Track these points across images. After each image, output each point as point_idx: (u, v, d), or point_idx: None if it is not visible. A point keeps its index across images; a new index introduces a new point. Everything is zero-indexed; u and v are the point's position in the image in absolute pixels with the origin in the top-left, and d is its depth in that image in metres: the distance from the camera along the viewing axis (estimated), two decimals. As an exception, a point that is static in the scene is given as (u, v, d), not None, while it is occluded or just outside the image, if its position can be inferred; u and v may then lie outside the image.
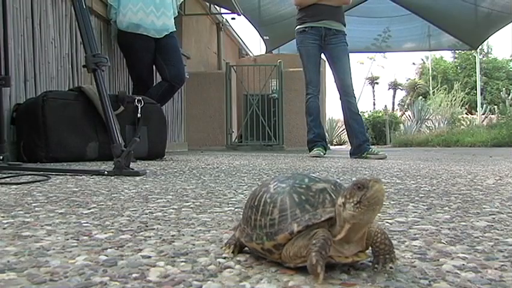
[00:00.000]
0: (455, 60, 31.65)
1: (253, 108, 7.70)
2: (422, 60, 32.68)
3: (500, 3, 10.34)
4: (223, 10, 9.54)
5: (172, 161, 3.23)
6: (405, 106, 23.84)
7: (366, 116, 19.62)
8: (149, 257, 0.63)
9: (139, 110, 3.37)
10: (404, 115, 20.04)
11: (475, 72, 17.71)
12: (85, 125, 3.04)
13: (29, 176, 1.81)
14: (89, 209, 1.05)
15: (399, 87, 33.30)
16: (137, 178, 1.85)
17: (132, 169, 1.98)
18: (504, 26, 11.52)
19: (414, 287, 0.52)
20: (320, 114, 4.39)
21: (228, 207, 1.11)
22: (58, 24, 3.40)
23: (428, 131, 14.47)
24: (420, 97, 22.63)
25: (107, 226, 0.85)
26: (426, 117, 16.15)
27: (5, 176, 1.80)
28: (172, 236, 0.77)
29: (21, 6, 2.98)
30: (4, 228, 0.82)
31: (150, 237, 0.76)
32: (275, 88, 7.71)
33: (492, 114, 15.40)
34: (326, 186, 0.59)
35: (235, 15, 9.12)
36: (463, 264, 0.61)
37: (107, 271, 0.56)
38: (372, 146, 4.39)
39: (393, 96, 33.18)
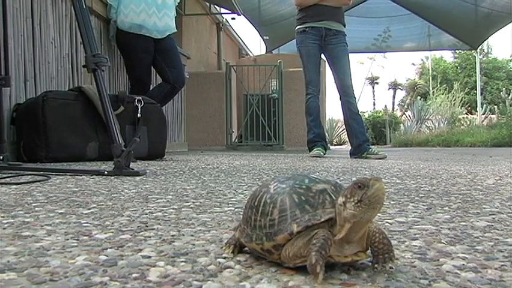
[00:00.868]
0: (455, 60, 31.65)
1: (253, 108, 7.70)
2: (422, 60, 32.69)
3: (500, 3, 10.35)
4: (223, 10, 9.54)
5: (172, 161, 3.23)
6: (405, 106, 23.84)
7: (366, 116, 19.63)
8: (149, 257, 0.63)
9: (139, 110, 3.37)
10: (404, 115, 20.05)
11: (475, 72, 17.71)
12: (85, 125, 3.04)
13: (29, 176, 1.81)
14: (89, 209, 1.05)
15: (399, 87, 33.30)
16: (137, 178, 1.85)
17: (132, 169, 1.98)
18: (504, 26, 11.52)
19: (414, 287, 0.52)
20: (320, 114, 4.39)
21: (228, 207, 1.11)
22: (58, 24, 3.40)
23: (428, 131, 14.47)
24: (420, 97, 22.64)
25: (107, 226, 0.85)
26: (426, 117, 16.15)
27: (5, 176, 1.80)
28: (172, 236, 0.77)
29: (21, 6, 2.98)
30: (4, 228, 0.82)
31: (150, 237, 0.76)
32: (275, 88, 7.71)
33: (492, 114, 15.40)
34: (326, 187, 0.59)
35: (235, 15, 9.12)
36: (463, 264, 0.61)
37: (107, 271, 0.56)
38: (372, 146, 4.39)
39: (393, 96, 33.18)
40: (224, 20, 10.77)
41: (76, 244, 0.71)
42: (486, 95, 25.17)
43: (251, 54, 13.90)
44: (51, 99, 2.87)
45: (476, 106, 14.93)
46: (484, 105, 16.67)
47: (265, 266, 0.59)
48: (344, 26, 4.28)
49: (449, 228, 0.85)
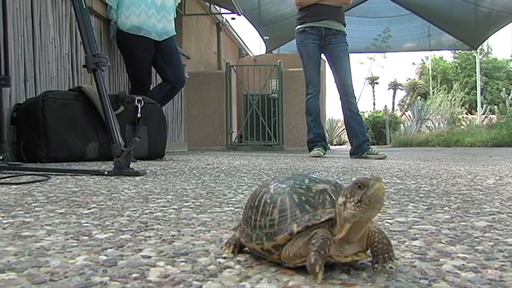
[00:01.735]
0: (455, 60, 31.64)
1: (253, 108, 7.70)
2: (422, 60, 32.69)
3: (500, 3, 10.35)
4: (223, 10, 9.55)
5: (172, 161, 3.23)
6: (405, 106, 23.83)
7: (366, 116, 19.63)
8: (149, 257, 0.63)
9: (139, 110, 3.37)
10: (404, 115, 20.05)
11: (475, 72, 17.71)
12: (85, 125, 3.04)
13: (29, 176, 1.81)
14: (89, 209, 1.05)
15: (399, 87, 33.29)
16: (137, 178, 1.85)
17: (132, 169, 1.98)
18: (504, 26, 11.52)
19: (414, 287, 0.52)
20: (320, 114, 4.39)
21: (228, 207, 1.11)
22: (58, 24, 3.40)
23: (428, 131, 14.47)
24: (420, 97, 22.63)
25: (107, 226, 0.85)
26: (426, 117, 16.15)
27: (5, 176, 1.80)
28: (172, 236, 0.77)
29: (21, 6, 2.97)
30: (4, 228, 0.82)
31: (150, 237, 0.76)
32: (275, 88, 7.71)
33: (492, 114, 15.40)
34: (326, 187, 0.59)
35: (235, 15, 9.12)
36: (463, 264, 0.61)
37: (107, 271, 0.56)
38: (372, 146, 4.39)
39: (393, 96, 33.17)
40: (224, 20, 10.77)
41: (76, 244, 0.71)
42: (486, 95, 25.16)
43: (251, 54, 13.90)
44: (51, 99, 2.87)
45: (476, 106, 14.93)
46: (484, 105, 16.67)
47: (265, 266, 0.59)
48: (344, 26, 4.28)
49: (449, 228, 0.85)
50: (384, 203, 0.86)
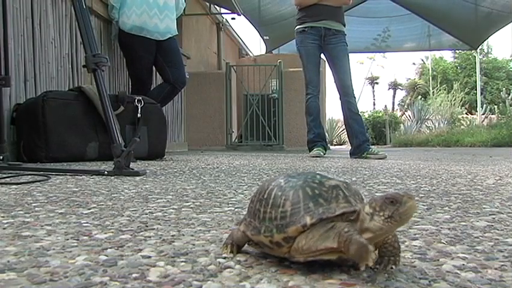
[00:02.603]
0: (455, 60, 31.64)
1: (253, 108, 7.70)
2: (422, 60, 32.68)
3: (500, 3, 10.35)
4: (223, 10, 9.55)
5: (172, 161, 3.23)
6: (405, 106, 23.83)
7: (366, 116, 19.62)
8: (149, 257, 0.63)
9: (139, 110, 3.37)
10: (404, 115, 20.04)
11: (475, 72, 17.71)
12: (85, 125, 3.04)
13: (29, 176, 1.81)
14: (89, 209, 1.05)
15: (399, 87, 33.28)
16: (137, 178, 1.85)
17: (132, 169, 1.98)
18: (504, 26, 11.52)
19: (414, 287, 0.52)
20: (320, 114, 4.39)
21: (228, 207, 1.11)
22: (58, 24, 3.40)
23: (428, 131, 14.47)
24: (420, 97, 22.62)
25: (107, 226, 0.85)
26: (426, 117, 16.15)
27: (5, 176, 1.80)
28: (172, 236, 0.77)
29: (21, 6, 2.97)
30: (4, 228, 0.82)
31: (150, 237, 0.76)
32: (275, 88, 7.71)
33: (492, 114, 15.40)
34: (338, 183, 0.59)
35: (235, 15, 9.12)
36: (463, 264, 0.61)
37: (107, 271, 0.56)
38: (372, 146, 4.39)
39: (393, 96, 33.16)
40: (224, 20, 10.77)
41: (76, 244, 0.71)
42: (486, 95, 25.15)
43: (251, 54, 13.90)
44: (51, 99, 2.87)
45: (476, 106, 14.93)
46: (484, 105, 16.66)
47: (265, 266, 0.59)
48: (344, 26, 4.28)
49: (449, 228, 0.85)
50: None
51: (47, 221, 0.90)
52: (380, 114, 19.79)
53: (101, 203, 1.15)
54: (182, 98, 5.92)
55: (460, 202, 1.20)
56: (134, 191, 1.42)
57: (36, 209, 1.05)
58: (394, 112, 23.65)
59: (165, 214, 0.99)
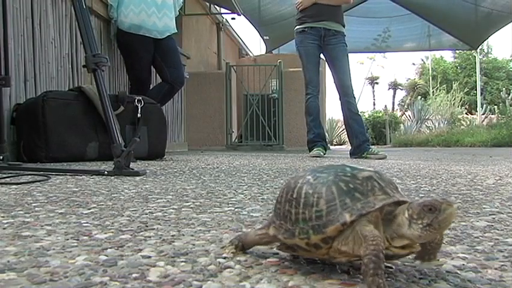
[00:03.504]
0: (455, 60, 31.63)
1: (253, 108, 7.70)
2: (422, 60, 32.68)
3: (500, 3, 10.35)
4: (223, 10, 9.55)
5: (172, 161, 3.23)
6: (405, 106, 23.82)
7: (366, 116, 19.61)
8: (149, 257, 0.63)
9: (139, 110, 3.37)
10: (404, 115, 20.03)
11: (475, 72, 17.71)
12: (85, 125, 3.04)
13: (29, 176, 1.81)
14: (89, 209, 1.05)
15: (399, 87, 33.27)
16: (137, 178, 1.85)
17: (132, 169, 1.98)
18: (504, 26, 11.53)
19: (414, 287, 0.52)
20: (320, 114, 4.39)
21: (228, 207, 1.11)
22: (58, 24, 3.40)
23: (428, 131, 14.47)
24: (420, 97, 22.62)
25: (107, 226, 0.85)
26: (426, 117, 16.15)
27: (5, 176, 1.80)
28: (172, 236, 0.77)
29: (21, 6, 2.97)
30: (4, 228, 0.82)
31: (150, 237, 0.76)
32: (275, 88, 7.71)
33: (492, 114, 15.40)
34: (371, 174, 0.55)
35: (235, 15, 9.12)
36: (463, 264, 0.61)
37: (107, 271, 0.56)
38: (372, 146, 4.39)
39: (393, 96, 33.14)
40: (224, 20, 10.77)
41: (76, 244, 0.71)
42: (486, 95, 25.15)
43: (251, 54, 13.90)
44: (51, 99, 2.87)
45: (476, 106, 14.93)
46: (484, 105, 16.66)
47: (265, 266, 0.59)
48: (343, 27, 4.28)
49: (449, 228, 0.85)
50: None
51: (47, 221, 0.90)
52: (380, 114, 19.78)
53: (101, 203, 1.15)
54: (182, 98, 5.92)
55: (460, 202, 1.20)
56: (134, 191, 1.42)
57: (36, 209, 1.05)
58: (394, 112, 23.64)
59: (165, 214, 0.99)
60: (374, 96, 34.35)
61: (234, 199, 1.25)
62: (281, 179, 1.88)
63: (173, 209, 1.07)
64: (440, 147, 10.40)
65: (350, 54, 4.36)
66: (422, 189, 1.51)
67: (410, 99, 26.41)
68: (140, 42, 3.95)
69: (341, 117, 4.59)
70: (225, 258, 0.63)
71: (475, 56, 19.40)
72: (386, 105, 25.24)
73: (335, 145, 16.87)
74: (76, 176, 1.89)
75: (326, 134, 7.10)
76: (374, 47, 13.72)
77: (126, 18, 3.91)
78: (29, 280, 0.53)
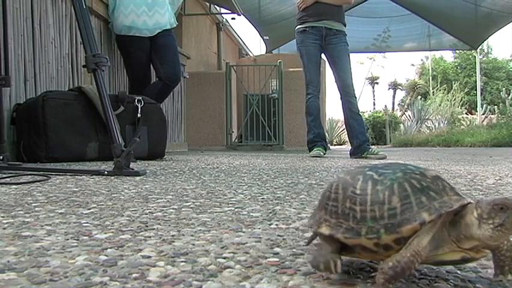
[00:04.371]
0: (455, 60, 31.64)
1: (253, 108, 7.70)
2: (422, 60, 32.69)
3: (500, 3, 10.35)
4: (223, 10, 9.54)
5: (172, 161, 3.23)
6: (405, 106, 23.81)
7: (366, 116, 19.60)
8: (149, 257, 0.63)
9: (139, 110, 3.37)
10: (404, 115, 20.03)
11: (475, 72, 17.72)
12: (85, 125, 3.04)
13: (29, 176, 1.81)
14: (89, 209, 1.05)
15: (399, 87, 33.25)
16: (137, 178, 1.85)
17: (132, 169, 1.98)
18: (504, 26, 11.53)
19: (414, 287, 0.52)
20: (320, 114, 4.39)
21: (228, 207, 1.11)
22: (58, 24, 3.40)
23: (428, 131, 14.47)
24: (420, 97, 22.62)
25: (107, 226, 0.85)
26: (426, 117, 16.15)
27: (5, 176, 1.80)
28: (172, 236, 0.77)
29: (21, 6, 2.97)
30: (4, 228, 0.82)
31: (150, 237, 0.76)
32: (275, 88, 7.71)
33: (492, 114, 15.40)
34: (438, 174, 0.53)
35: (235, 15, 9.11)
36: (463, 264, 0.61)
37: (107, 271, 0.56)
38: (372, 146, 4.39)
39: (393, 96, 33.12)
40: (224, 20, 10.76)
41: (76, 244, 0.71)
42: (486, 95, 25.16)
43: (251, 54, 13.90)
44: (51, 99, 2.87)
45: (476, 106, 14.94)
46: (484, 105, 16.67)
47: (265, 266, 0.59)
48: (345, 26, 4.28)
49: (449, 228, 0.85)
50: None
51: (47, 221, 0.90)
52: (380, 114, 19.77)
53: (101, 203, 1.15)
54: (182, 98, 5.92)
55: (460, 202, 1.20)
56: (134, 191, 1.42)
57: (36, 209, 1.05)
58: (394, 112, 23.63)
59: (165, 214, 0.99)
60: (374, 96, 34.33)
61: (234, 199, 1.25)
62: (281, 179, 1.88)
63: (173, 209, 1.07)
64: (440, 147, 10.40)
65: (350, 54, 4.36)
66: (422, 189, 1.51)
67: (410, 99, 26.42)
68: (133, 43, 3.95)
69: (341, 117, 4.59)
70: (225, 258, 0.63)
71: (475, 56, 19.41)
72: (386, 105, 25.25)
73: (335, 145, 16.87)
74: (76, 176, 1.89)
75: (326, 134, 7.10)
76: (374, 47, 13.71)
77: (117, 21, 3.93)
78: (29, 280, 0.53)
